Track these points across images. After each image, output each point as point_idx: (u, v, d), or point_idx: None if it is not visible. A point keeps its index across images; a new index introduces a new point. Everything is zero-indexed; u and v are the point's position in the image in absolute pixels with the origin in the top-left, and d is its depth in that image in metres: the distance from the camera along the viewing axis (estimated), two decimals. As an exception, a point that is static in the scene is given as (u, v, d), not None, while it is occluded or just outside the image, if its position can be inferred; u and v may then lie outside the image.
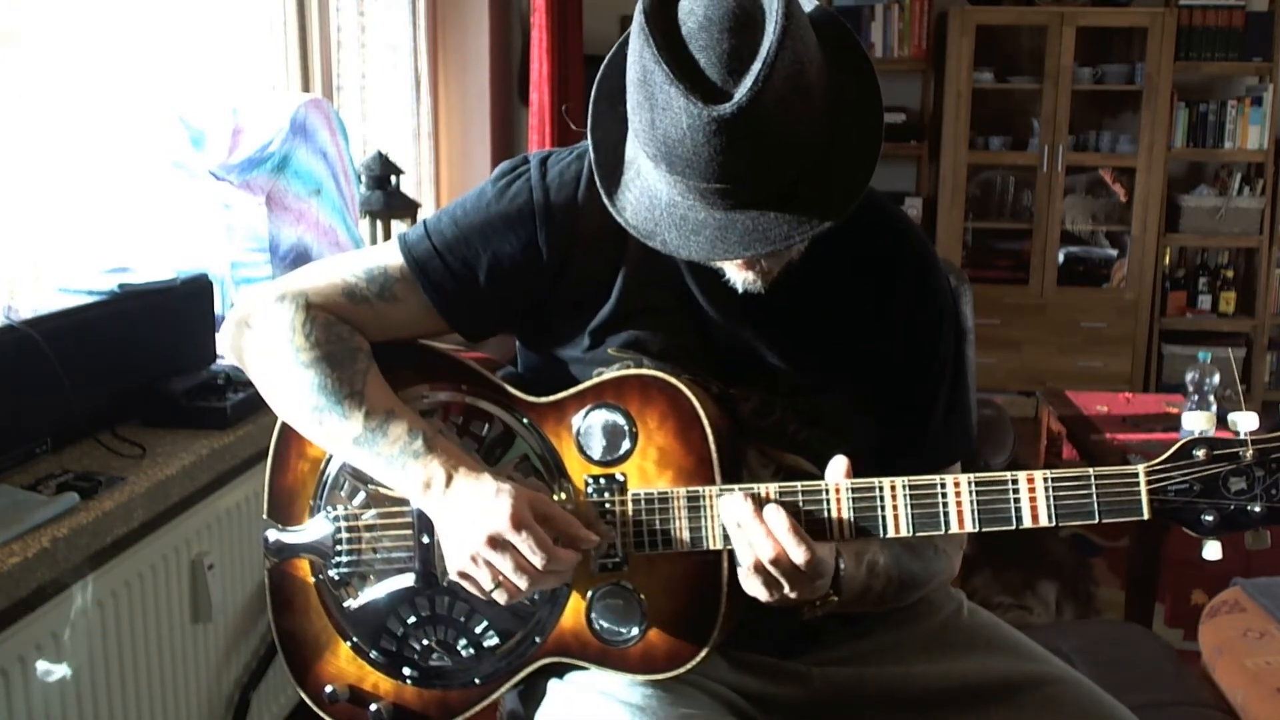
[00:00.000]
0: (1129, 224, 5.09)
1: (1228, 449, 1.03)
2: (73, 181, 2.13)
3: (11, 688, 1.51)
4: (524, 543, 1.14)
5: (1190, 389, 3.06)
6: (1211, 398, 3.01)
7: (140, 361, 1.96)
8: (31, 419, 1.73)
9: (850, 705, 1.31)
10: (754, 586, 1.13)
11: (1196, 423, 1.06)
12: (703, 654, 1.20)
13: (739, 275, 1.18)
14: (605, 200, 1.15)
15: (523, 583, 1.15)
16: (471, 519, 1.16)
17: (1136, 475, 1.07)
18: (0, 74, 1.93)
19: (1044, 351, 5.13)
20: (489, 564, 1.16)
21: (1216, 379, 3.01)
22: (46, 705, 1.58)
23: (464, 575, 1.18)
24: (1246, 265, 5.23)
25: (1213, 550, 1.06)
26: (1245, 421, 1.03)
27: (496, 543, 1.14)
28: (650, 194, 1.12)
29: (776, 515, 1.11)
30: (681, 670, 1.21)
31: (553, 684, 1.29)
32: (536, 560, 1.14)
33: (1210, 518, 1.04)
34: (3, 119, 1.94)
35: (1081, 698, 1.29)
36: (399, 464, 1.20)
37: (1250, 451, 1.02)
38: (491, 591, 1.17)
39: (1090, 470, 1.07)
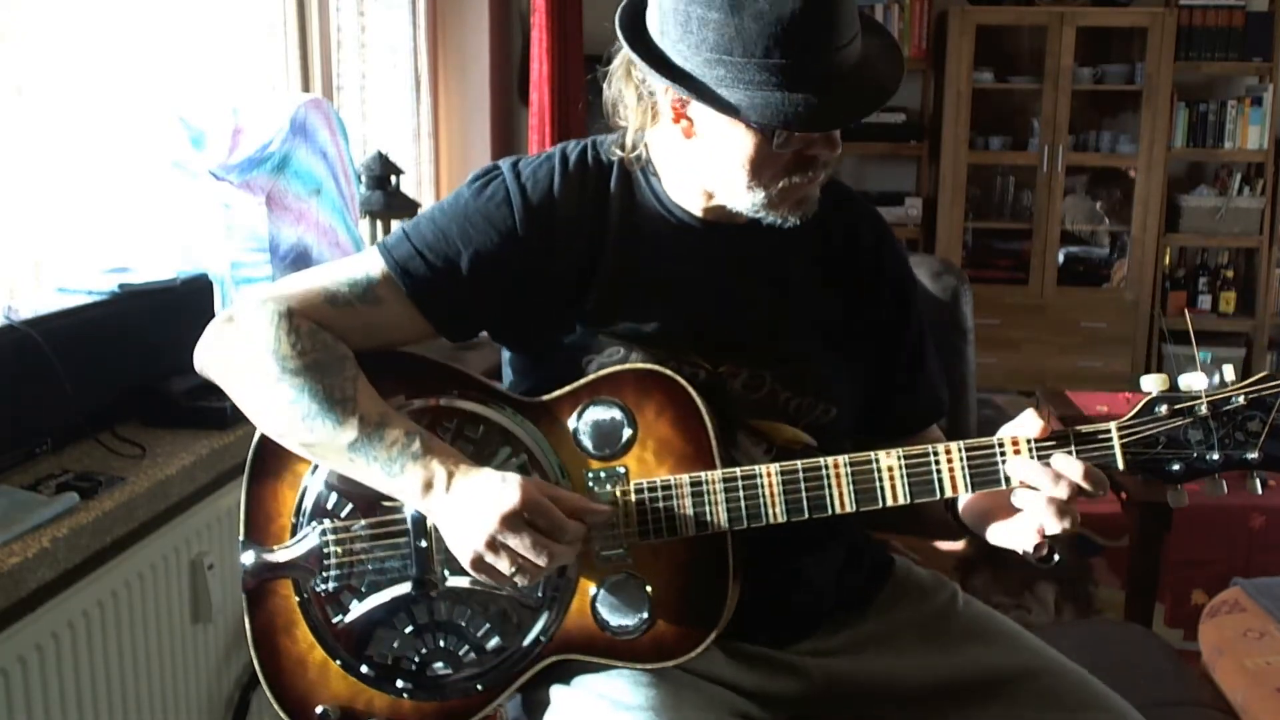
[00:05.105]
0: (1129, 224, 5.09)
1: (1185, 403, 1.13)
2: (73, 181, 2.13)
3: (12, 688, 1.51)
4: (540, 519, 1.14)
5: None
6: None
7: (140, 361, 1.96)
8: (31, 419, 1.73)
9: (849, 699, 1.32)
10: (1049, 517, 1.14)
11: (1153, 384, 1.15)
12: (714, 635, 1.20)
13: (794, 201, 1.22)
14: (728, 107, 1.14)
15: (543, 560, 1.14)
16: (482, 507, 1.14)
17: (1110, 431, 1.15)
18: (1, 73, 1.93)
19: (1044, 351, 5.12)
20: (506, 547, 1.14)
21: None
22: (47, 705, 1.58)
23: (480, 565, 1.16)
24: (1246, 265, 5.23)
25: (1178, 499, 1.15)
26: (1196, 381, 1.14)
27: (512, 523, 1.13)
28: (756, 98, 1.12)
29: (1069, 463, 1.14)
30: (694, 653, 1.20)
31: (556, 690, 1.27)
32: (554, 534, 1.14)
33: (1177, 467, 1.14)
34: (3, 118, 1.94)
35: (1079, 689, 1.30)
36: (397, 466, 1.18)
37: (1205, 406, 1.13)
38: (513, 575, 1.15)
39: (1069, 431, 1.16)
